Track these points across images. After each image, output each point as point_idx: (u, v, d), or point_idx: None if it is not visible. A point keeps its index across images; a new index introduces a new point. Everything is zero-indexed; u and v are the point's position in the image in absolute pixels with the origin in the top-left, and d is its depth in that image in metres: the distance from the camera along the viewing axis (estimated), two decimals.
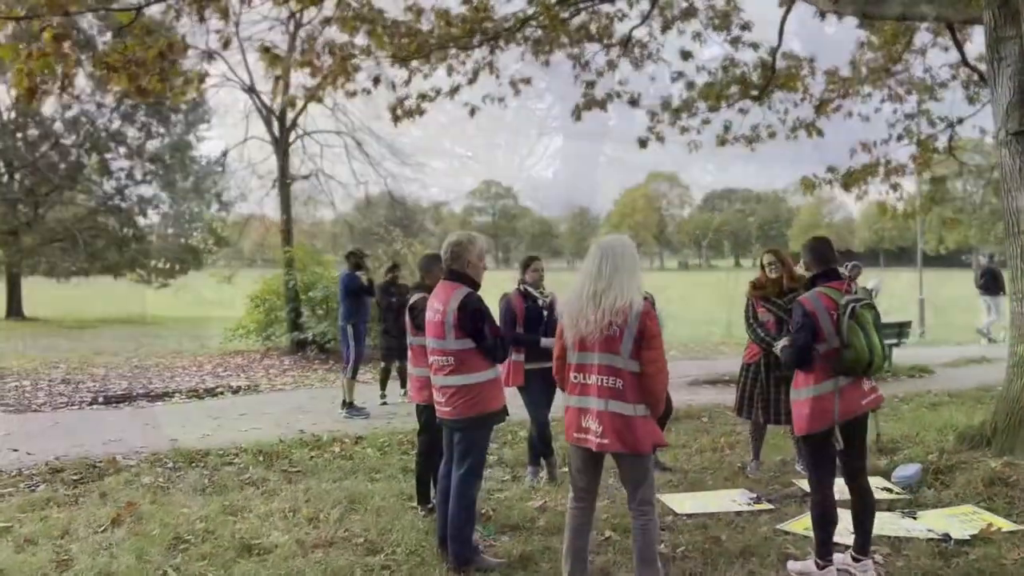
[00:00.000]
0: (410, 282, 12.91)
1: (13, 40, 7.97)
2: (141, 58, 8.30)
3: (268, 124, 15.91)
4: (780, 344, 4.76)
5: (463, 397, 4.59)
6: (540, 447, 6.63)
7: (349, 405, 9.84)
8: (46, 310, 29.71)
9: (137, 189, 29.81)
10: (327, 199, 16.85)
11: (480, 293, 4.75)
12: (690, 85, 12.90)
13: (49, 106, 28.72)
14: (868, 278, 24.74)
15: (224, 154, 21.29)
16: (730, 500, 5.85)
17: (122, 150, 28.49)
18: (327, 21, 10.16)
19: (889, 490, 5.99)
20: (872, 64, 12.81)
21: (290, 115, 15.78)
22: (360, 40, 10.94)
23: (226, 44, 9.75)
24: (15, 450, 8.09)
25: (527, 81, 13.21)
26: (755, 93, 12.62)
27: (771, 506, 5.74)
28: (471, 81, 12.64)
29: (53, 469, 7.16)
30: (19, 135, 27.39)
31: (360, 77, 11.70)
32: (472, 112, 12.86)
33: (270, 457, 7.54)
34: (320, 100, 11.86)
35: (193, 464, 7.34)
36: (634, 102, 13.33)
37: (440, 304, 4.62)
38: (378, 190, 16.97)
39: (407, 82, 12.18)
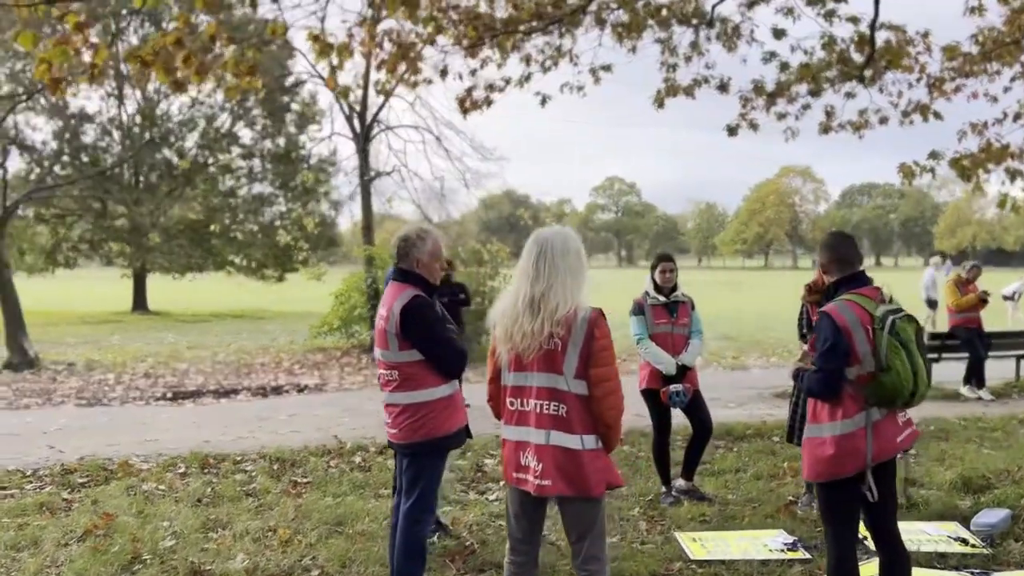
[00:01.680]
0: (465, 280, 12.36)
1: (36, 27, 7.87)
2: (172, 51, 8.05)
3: (350, 120, 15.77)
4: (797, 366, 3.82)
5: (410, 417, 3.94)
6: None
7: None
8: (170, 304, 31.17)
9: (253, 188, 30.78)
10: (408, 196, 16.53)
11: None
12: (784, 66, 11.74)
13: (175, 107, 30.22)
14: (1009, 281, 22.32)
15: (309, 152, 21.37)
16: (761, 544, 4.92)
17: (236, 150, 29.43)
18: (372, 3, 9.71)
19: (964, 541, 4.90)
20: (1000, 37, 11.24)
21: (371, 110, 15.58)
22: (420, 28, 10.51)
23: (274, 32, 9.47)
24: (51, 447, 8.07)
25: (607, 68, 12.40)
26: (858, 73, 11.34)
27: (807, 555, 4.77)
28: (546, 69, 11.99)
29: (66, 470, 7.01)
30: (145, 135, 28.72)
31: (429, 66, 11.29)
32: (543, 102, 12.19)
33: (284, 465, 7.14)
34: (387, 93, 11.47)
35: (205, 470, 7.03)
36: (723, 87, 12.29)
37: (385, 309, 3.99)
38: (499, 188, 16.54)
39: (473, 72, 11.68)
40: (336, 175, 24.89)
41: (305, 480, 6.72)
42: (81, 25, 7.57)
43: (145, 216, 27.81)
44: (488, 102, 12.15)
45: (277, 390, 12.20)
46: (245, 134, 30.18)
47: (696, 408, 5.99)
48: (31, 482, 6.71)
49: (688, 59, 12.21)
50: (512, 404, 3.42)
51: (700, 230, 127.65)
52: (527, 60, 11.97)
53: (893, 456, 3.61)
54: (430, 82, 11.26)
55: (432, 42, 10.89)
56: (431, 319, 3.89)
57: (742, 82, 12.29)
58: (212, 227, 25.61)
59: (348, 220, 31.99)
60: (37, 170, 26.43)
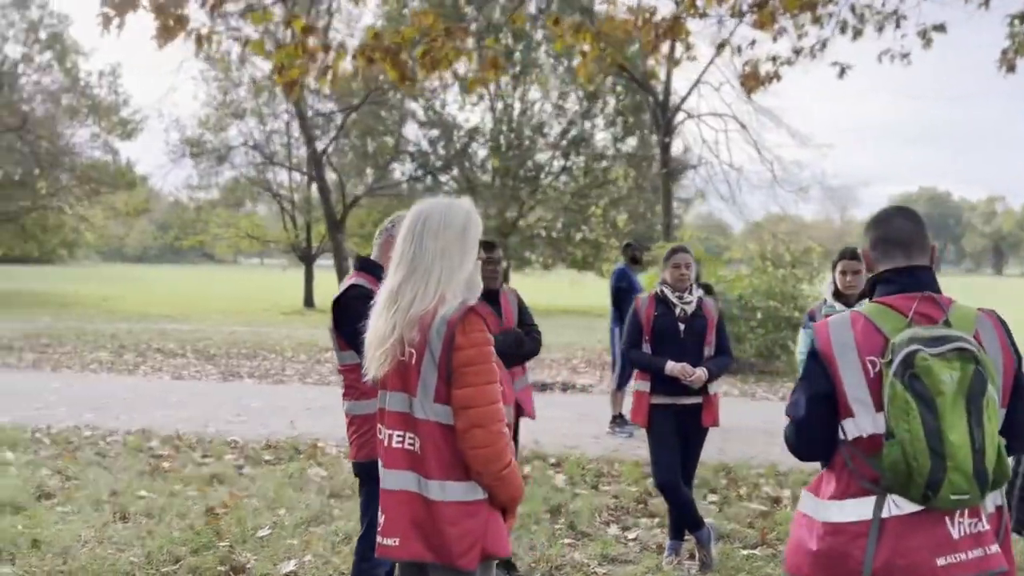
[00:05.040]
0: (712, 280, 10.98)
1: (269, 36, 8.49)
2: (395, 46, 8.19)
3: (653, 111, 14.98)
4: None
5: (355, 431, 3.34)
6: (675, 515, 4.73)
7: (616, 418, 8.59)
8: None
9: (608, 189, 31.34)
10: (714, 190, 15.22)
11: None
12: None
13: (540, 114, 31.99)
14: None
15: (615, 146, 20.85)
16: None
17: (591, 152, 30.17)
18: None
19: None
20: None
21: (675, 98, 14.62)
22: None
23: (514, 20, 9.26)
24: (291, 421, 8.72)
25: (940, 28, 10.19)
26: None
27: None
28: (857, 34, 10.23)
29: (268, 446, 7.46)
30: (506, 140, 30.78)
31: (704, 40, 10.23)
32: (842, 73, 10.44)
33: None
34: (653, 75, 10.63)
35: None
36: None
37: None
38: (903, 188, 14.95)
39: (752, 43, 10.39)
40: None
41: None
42: (308, 29, 8.01)
43: (509, 218, 29.82)
44: (776, 76, 10.71)
45: (546, 387, 11.98)
46: (603, 137, 30.85)
47: None
48: (230, 453, 7.24)
49: None
50: (379, 431, 2.64)
51: None
52: (843, 27, 10.31)
53: None
54: (694, 58, 10.20)
55: (703, 15, 9.87)
56: (363, 313, 3.22)
57: None
58: (560, 227, 26.41)
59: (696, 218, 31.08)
60: (420, 173, 29.75)
